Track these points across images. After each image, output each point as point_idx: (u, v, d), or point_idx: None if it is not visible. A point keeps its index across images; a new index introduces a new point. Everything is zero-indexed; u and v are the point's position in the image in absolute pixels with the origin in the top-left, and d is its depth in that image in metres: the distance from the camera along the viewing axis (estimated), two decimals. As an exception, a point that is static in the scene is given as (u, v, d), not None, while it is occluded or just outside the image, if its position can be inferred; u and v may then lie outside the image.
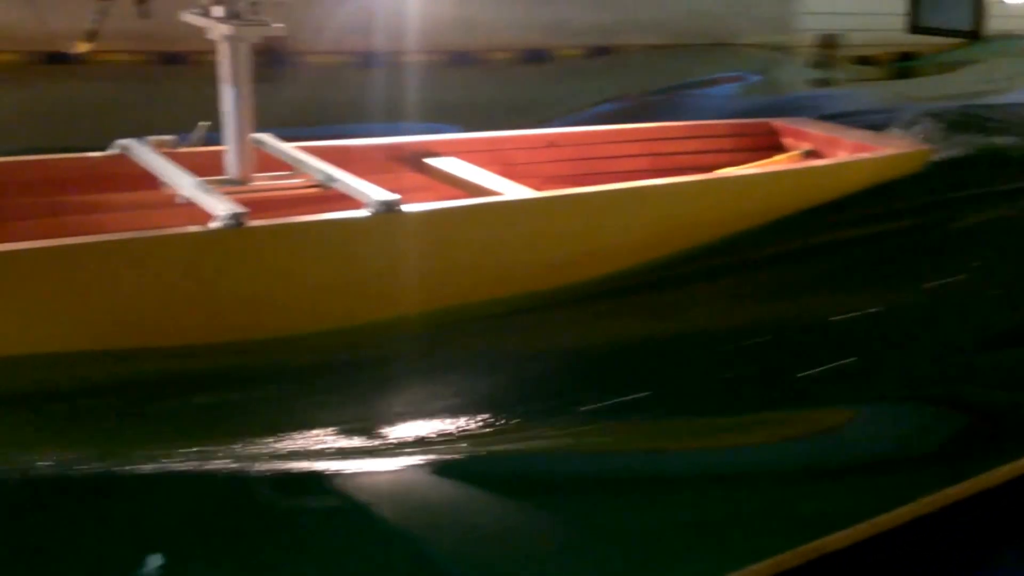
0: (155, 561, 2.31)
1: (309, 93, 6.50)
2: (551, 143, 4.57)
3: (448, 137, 4.39)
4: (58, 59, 3.01)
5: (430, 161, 4.14)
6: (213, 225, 2.94)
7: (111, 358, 2.92)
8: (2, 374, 2.79)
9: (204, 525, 2.39)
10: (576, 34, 8.41)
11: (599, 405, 3.03)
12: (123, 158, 3.50)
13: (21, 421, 2.71)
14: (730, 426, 3.00)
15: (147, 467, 2.52)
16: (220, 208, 2.96)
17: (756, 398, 3.12)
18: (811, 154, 4.97)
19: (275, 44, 6.45)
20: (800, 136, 5.11)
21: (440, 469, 2.67)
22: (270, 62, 6.57)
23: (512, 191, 3.68)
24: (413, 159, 4.17)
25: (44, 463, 2.49)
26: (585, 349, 3.49)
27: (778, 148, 5.12)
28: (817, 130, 5.12)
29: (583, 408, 3.03)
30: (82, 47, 3.03)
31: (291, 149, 3.63)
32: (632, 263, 3.85)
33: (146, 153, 3.45)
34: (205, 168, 3.35)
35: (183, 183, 3.18)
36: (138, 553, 2.27)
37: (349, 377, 3.15)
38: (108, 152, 3.53)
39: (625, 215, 3.84)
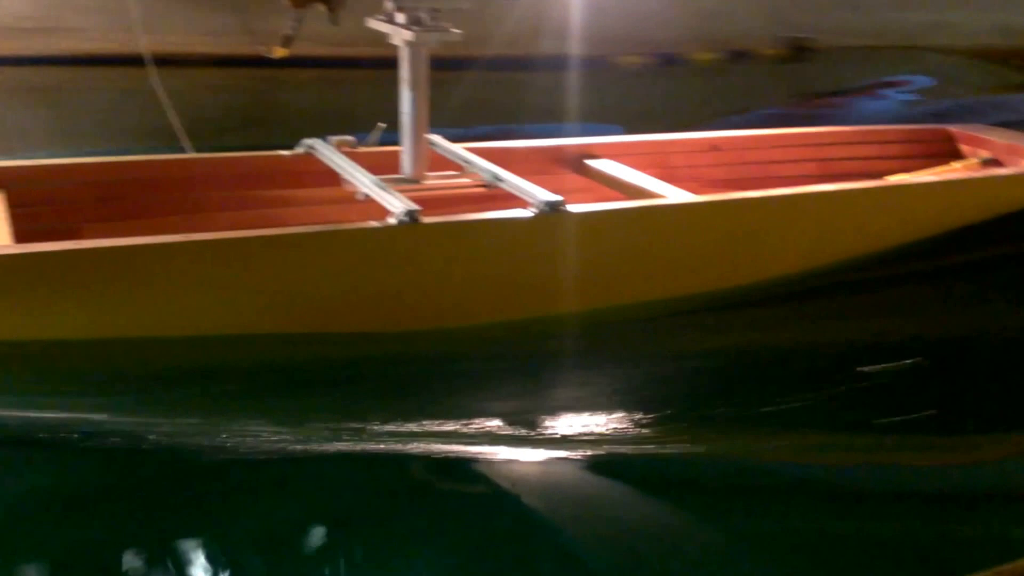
0: (319, 529, 2.51)
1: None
2: (714, 147, 4.54)
3: (608, 140, 4.44)
4: (261, 63, 3.25)
5: (590, 163, 4.21)
6: (390, 221, 3.12)
7: (294, 341, 3.15)
8: (194, 352, 3.04)
9: (363, 498, 2.56)
10: (955, 36, 8.53)
11: (759, 411, 3.01)
12: (309, 157, 3.74)
13: (211, 395, 2.95)
14: (914, 445, 2.91)
15: (318, 442, 2.72)
16: (396, 205, 3.13)
17: (935, 418, 3.01)
18: (990, 163, 4.70)
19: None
20: (978, 143, 4.84)
21: (591, 465, 2.74)
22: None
23: (673, 194, 3.70)
24: (574, 161, 4.25)
25: (224, 434, 2.73)
26: (745, 354, 3.46)
27: (954, 156, 4.87)
28: (998, 137, 4.84)
29: (741, 413, 3.02)
30: (279, 52, 3.28)
31: (460, 150, 3.78)
32: (795, 270, 3.77)
33: (329, 152, 3.68)
34: (382, 167, 3.55)
35: (363, 181, 3.38)
36: (302, 521, 2.45)
37: (507, 370, 3.25)
38: (295, 151, 3.79)
39: (789, 221, 3.77)
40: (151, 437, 2.71)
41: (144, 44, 3.44)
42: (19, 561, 2.25)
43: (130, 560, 2.24)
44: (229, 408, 2.89)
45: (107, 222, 3.52)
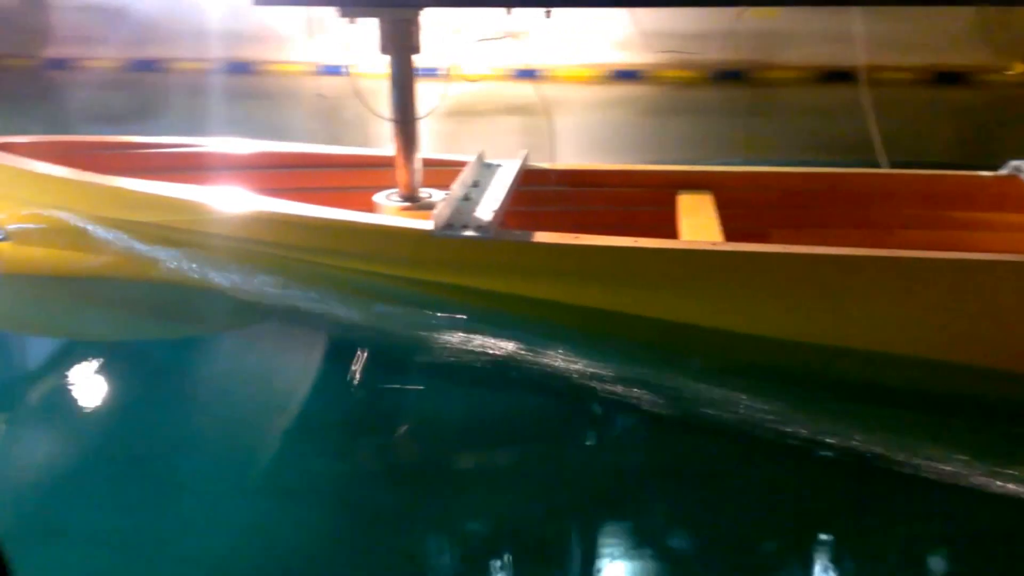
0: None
1: None
2: None
3: None
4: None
5: None
6: None
7: (977, 373, 2.89)
8: (867, 367, 2.96)
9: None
10: None
11: None
12: (1015, 179, 3.41)
13: (887, 414, 2.83)
14: None
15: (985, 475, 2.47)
16: None
17: None
18: None
19: None
20: None
21: None
22: None
23: None
24: None
25: (902, 456, 2.59)
26: None
27: None
28: None
29: None
30: (1019, 68, 3.02)
31: None
32: None
33: None
34: None
35: None
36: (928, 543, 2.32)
37: None
38: (999, 172, 3.48)
39: None
40: (830, 443, 2.71)
41: (861, 60, 3.47)
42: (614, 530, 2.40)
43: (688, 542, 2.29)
44: (910, 429, 2.74)
45: (788, 228, 3.65)
